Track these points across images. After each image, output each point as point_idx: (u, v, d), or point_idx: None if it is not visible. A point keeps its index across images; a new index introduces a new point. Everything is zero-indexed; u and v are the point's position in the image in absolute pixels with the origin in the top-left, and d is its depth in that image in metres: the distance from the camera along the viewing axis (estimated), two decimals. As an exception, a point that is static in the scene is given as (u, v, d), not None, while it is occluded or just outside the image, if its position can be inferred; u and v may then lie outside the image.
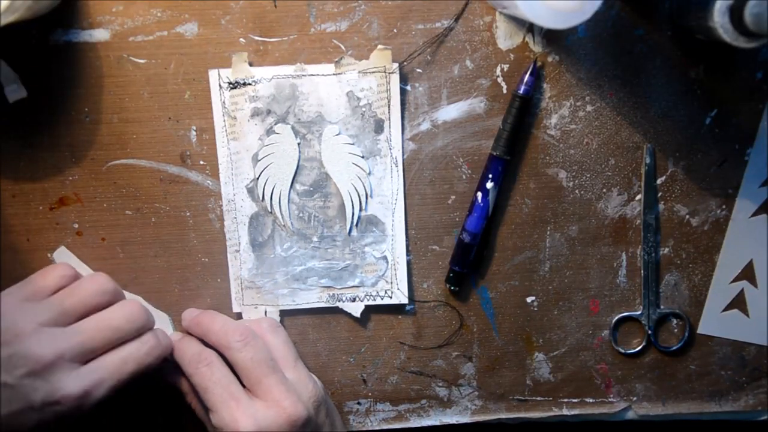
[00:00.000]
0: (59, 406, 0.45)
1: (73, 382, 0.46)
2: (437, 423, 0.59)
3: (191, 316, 0.54)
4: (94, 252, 0.55)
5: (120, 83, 0.53)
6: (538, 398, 0.59)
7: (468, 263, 0.56)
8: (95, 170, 0.54)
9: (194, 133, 0.54)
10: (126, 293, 0.55)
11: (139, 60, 0.53)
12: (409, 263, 0.56)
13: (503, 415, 0.59)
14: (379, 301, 0.57)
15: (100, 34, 0.53)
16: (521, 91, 0.53)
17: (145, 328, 0.51)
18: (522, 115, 0.54)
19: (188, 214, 0.55)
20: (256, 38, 0.53)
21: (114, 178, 0.55)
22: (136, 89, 0.53)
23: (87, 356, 0.47)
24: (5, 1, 0.45)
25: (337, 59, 0.53)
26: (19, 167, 0.54)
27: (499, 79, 0.54)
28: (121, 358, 0.48)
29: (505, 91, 0.54)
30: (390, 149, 0.55)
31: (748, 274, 0.57)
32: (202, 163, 0.55)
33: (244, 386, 0.51)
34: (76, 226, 0.55)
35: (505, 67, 0.54)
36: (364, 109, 0.54)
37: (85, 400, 0.46)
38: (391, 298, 0.57)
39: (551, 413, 0.59)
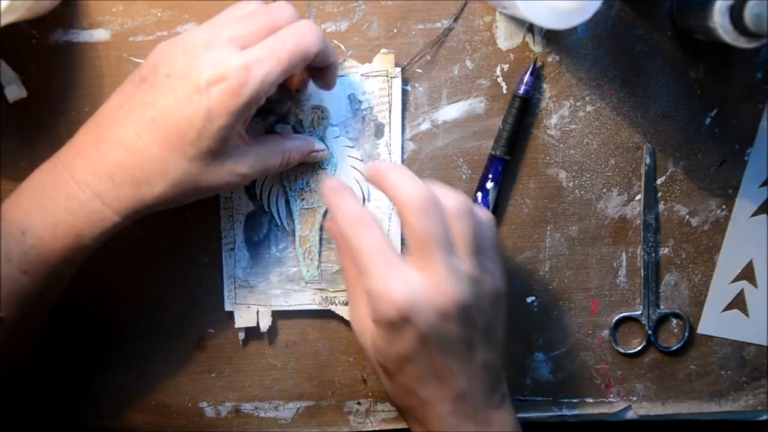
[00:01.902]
0: (224, 84, 0.43)
1: (235, 57, 0.44)
2: (437, 423, 0.59)
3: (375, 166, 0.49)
4: (93, 251, 0.55)
5: (120, 83, 0.53)
6: (538, 398, 0.59)
7: (468, 263, 0.56)
8: (95, 170, 0.54)
9: (194, 133, 0.54)
10: None
11: (139, 60, 0.53)
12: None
13: (503, 415, 0.59)
14: (378, 302, 0.56)
15: (100, 34, 0.53)
16: (521, 91, 0.53)
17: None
18: (522, 115, 0.54)
19: (188, 213, 0.55)
20: (256, 38, 0.53)
21: (114, 178, 0.54)
22: (136, 89, 0.53)
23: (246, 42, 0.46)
24: (5, 1, 0.45)
25: (339, 61, 0.53)
26: (19, 167, 0.53)
27: (499, 79, 0.54)
28: (277, 37, 0.46)
29: (505, 91, 0.54)
30: (389, 154, 0.54)
31: (748, 274, 0.57)
32: (202, 163, 0.54)
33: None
34: (76, 226, 0.55)
35: (505, 67, 0.54)
36: (365, 112, 0.54)
37: (248, 80, 0.44)
38: None
39: (551, 413, 0.59)
